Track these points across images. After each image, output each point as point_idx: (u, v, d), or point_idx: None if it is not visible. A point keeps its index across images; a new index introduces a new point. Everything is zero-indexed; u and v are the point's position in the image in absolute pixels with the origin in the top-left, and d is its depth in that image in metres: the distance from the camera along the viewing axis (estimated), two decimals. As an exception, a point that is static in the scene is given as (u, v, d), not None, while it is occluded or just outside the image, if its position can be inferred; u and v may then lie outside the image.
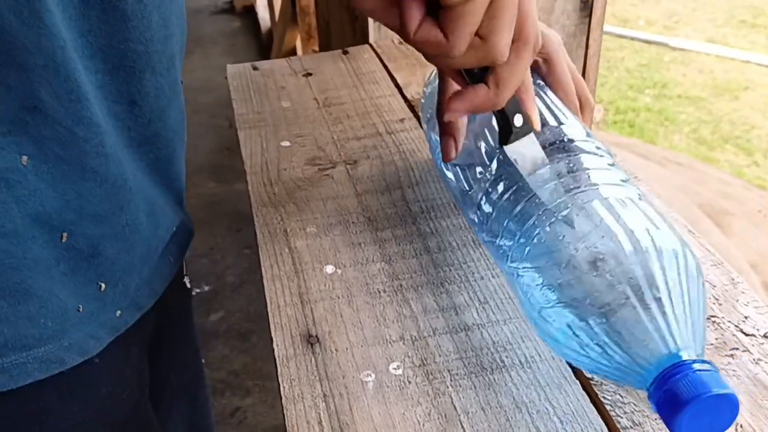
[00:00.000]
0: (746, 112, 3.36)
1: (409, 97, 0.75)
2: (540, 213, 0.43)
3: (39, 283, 0.44)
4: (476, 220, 0.49)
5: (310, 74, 0.81)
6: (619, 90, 3.58)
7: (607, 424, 0.40)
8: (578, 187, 0.43)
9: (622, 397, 0.42)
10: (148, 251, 0.53)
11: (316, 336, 0.47)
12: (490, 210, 0.47)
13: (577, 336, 0.38)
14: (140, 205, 0.50)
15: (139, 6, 0.44)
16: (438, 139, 0.60)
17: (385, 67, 0.83)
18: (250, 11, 4.01)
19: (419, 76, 0.80)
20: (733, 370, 0.43)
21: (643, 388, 0.36)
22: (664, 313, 0.36)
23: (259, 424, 1.71)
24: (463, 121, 0.49)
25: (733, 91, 3.53)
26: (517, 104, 0.44)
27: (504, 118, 0.44)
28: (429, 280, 0.51)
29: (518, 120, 0.44)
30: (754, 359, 0.43)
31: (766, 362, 0.43)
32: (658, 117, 3.34)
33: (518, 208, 0.45)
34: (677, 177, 2.69)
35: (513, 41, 0.40)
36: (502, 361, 0.44)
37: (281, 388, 0.43)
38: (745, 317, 0.46)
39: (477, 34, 0.39)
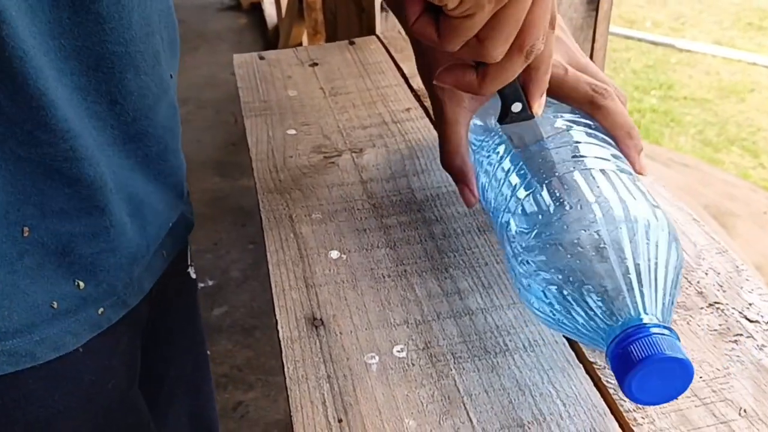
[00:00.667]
0: (752, 114, 3.35)
1: (415, 87, 0.75)
2: (523, 183, 0.45)
3: (0, 276, 0.44)
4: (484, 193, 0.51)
5: (317, 64, 0.82)
6: (625, 91, 3.54)
7: (610, 407, 0.40)
8: (565, 160, 0.44)
9: (625, 380, 0.42)
10: (137, 251, 0.53)
11: (321, 319, 0.47)
12: (487, 179, 0.49)
13: (547, 297, 0.40)
14: (121, 206, 0.50)
15: (116, 7, 0.44)
16: None
17: (392, 57, 0.83)
18: (257, 8, 4.02)
19: (425, 67, 0.80)
20: (737, 356, 0.43)
21: (601, 348, 0.37)
22: (629, 279, 0.37)
23: (261, 418, 1.72)
24: (471, 168, 0.50)
25: (740, 93, 3.52)
26: (517, 92, 0.45)
27: (503, 102, 0.46)
28: (433, 265, 0.51)
29: (516, 107, 0.46)
30: (758, 345, 0.43)
31: (770, 349, 0.43)
32: (664, 118, 3.33)
33: (507, 178, 0.47)
34: (682, 178, 2.69)
35: (510, 46, 0.40)
36: (506, 345, 0.44)
37: (285, 369, 0.44)
38: (750, 304, 0.46)
39: (476, 35, 0.39)
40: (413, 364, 0.43)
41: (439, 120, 0.50)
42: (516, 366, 0.43)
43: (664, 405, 0.40)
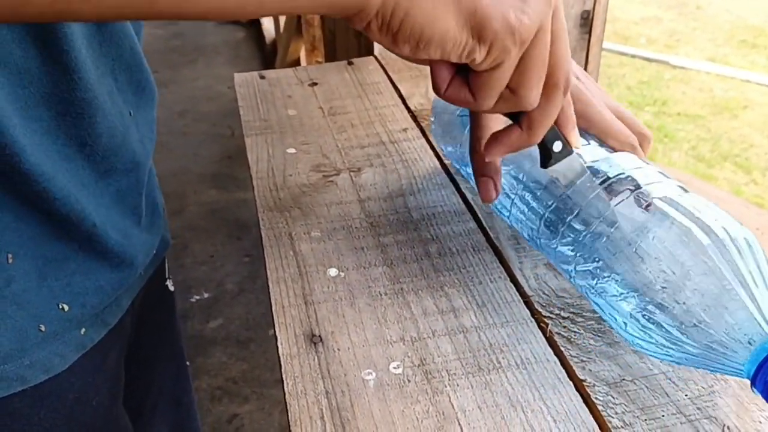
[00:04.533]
0: (745, 131, 3.38)
1: (412, 107, 0.77)
2: (598, 222, 0.45)
3: None
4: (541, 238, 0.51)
5: (316, 84, 0.83)
6: (619, 107, 3.60)
7: (598, 424, 0.42)
8: (633, 188, 0.45)
9: (613, 398, 0.43)
10: (122, 277, 0.54)
11: (319, 336, 0.48)
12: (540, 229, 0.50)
13: (669, 332, 0.41)
14: (105, 238, 0.51)
15: (80, 55, 0.45)
16: (452, 150, 0.62)
17: (389, 78, 0.84)
18: (255, 22, 4.04)
19: (422, 88, 0.82)
20: (721, 375, 0.44)
21: (738, 374, 0.39)
22: (753, 299, 0.38)
23: (256, 431, 1.72)
24: (499, 162, 0.50)
25: (733, 110, 3.56)
26: (555, 132, 0.46)
27: (543, 146, 0.46)
28: (429, 283, 0.52)
29: (557, 146, 0.46)
30: (741, 364, 0.45)
31: (753, 368, 0.45)
32: (658, 134, 3.36)
33: (580, 221, 0.47)
34: (676, 194, 2.71)
35: (543, 86, 0.40)
36: (499, 362, 0.46)
37: (284, 385, 0.45)
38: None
39: (507, 86, 0.40)
40: (409, 381, 0.45)
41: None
42: (509, 383, 0.44)
43: (651, 422, 0.41)
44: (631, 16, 4.63)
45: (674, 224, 0.42)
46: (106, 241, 0.51)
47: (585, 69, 0.96)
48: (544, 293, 0.51)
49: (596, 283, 0.45)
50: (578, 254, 0.46)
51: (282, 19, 2.99)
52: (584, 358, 0.46)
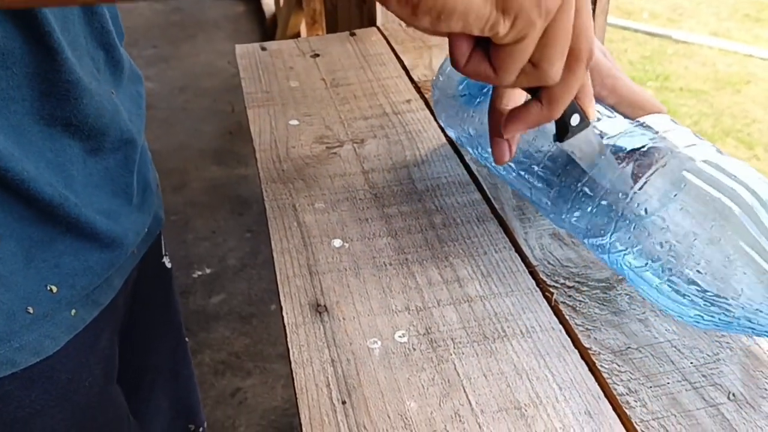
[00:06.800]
0: (748, 106, 3.36)
1: (415, 78, 0.77)
2: (624, 198, 0.44)
3: None
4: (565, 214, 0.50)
5: (318, 55, 0.83)
6: (622, 82, 3.58)
7: (604, 391, 0.42)
8: (664, 155, 0.44)
9: (618, 365, 0.43)
10: (112, 257, 0.54)
11: (324, 305, 0.48)
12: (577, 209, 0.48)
13: (710, 300, 0.41)
14: (98, 216, 0.51)
15: (65, 37, 0.45)
16: (456, 134, 0.61)
17: (392, 49, 0.84)
18: (254, -4, 4.01)
19: (426, 59, 0.81)
20: (727, 342, 0.44)
21: None
22: None
23: (258, 405, 1.73)
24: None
25: (735, 85, 3.53)
26: (573, 105, 0.44)
27: (560, 120, 0.45)
28: (434, 254, 0.52)
29: (575, 119, 0.45)
30: (747, 333, 0.45)
31: (758, 336, 0.45)
32: (660, 109, 3.34)
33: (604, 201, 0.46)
34: (677, 169, 2.70)
35: (566, 59, 0.39)
36: (504, 331, 0.46)
37: (290, 353, 0.45)
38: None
39: (530, 60, 0.38)
40: (414, 349, 0.45)
41: None
42: (513, 351, 0.44)
43: (656, 389, 0.42)
44: (634, -10, 4.59)
45: (702, 192, 0.41)
46: (94, 221, 0.50)
47: (589, 41, 0.95)
48: (549, 263, 0.51)
49: (631, 258, 0.44)
50: (608, 228, 0.45)
51: (282, -7, 2.96)
52: (589, 327, 0.46)
